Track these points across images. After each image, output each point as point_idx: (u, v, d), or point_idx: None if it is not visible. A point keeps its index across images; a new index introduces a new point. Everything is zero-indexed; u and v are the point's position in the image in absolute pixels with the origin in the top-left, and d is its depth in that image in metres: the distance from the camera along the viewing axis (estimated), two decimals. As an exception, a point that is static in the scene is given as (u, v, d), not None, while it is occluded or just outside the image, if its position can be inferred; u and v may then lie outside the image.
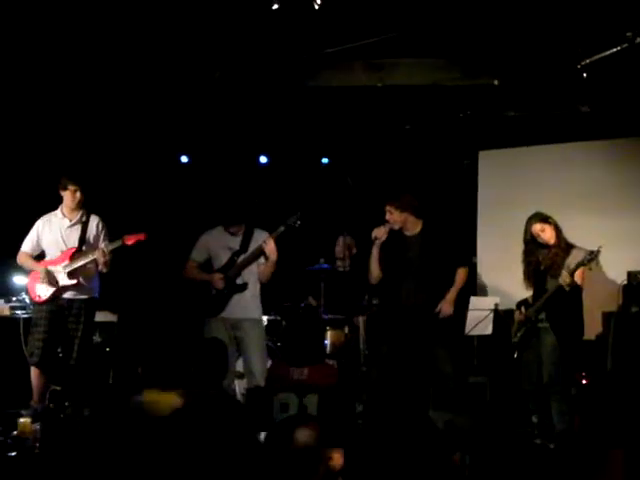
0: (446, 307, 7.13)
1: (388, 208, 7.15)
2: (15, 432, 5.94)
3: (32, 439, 5.68)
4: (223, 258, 7.18)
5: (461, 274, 7.24)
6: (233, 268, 7.11)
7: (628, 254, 7.90)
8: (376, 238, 7.13)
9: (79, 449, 4.20)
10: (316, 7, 5.67)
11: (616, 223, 8.34)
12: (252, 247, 7.14)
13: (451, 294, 7.16)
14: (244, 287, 7.09)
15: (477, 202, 9.44)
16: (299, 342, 5.14)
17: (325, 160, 10.21)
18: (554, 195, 8.49)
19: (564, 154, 8.89)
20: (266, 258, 7.07)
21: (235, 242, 7.20)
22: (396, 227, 7.13)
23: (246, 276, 7.13)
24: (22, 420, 5.90)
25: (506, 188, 9.24)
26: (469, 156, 9.47)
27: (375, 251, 7.21)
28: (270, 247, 6.98)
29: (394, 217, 7.13)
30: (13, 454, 5.41)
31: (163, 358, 7.21)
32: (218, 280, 7.09)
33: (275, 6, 5.84)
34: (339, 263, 8.78)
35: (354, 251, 8.88)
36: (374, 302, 8.36)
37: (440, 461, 4.61)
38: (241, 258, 7.13)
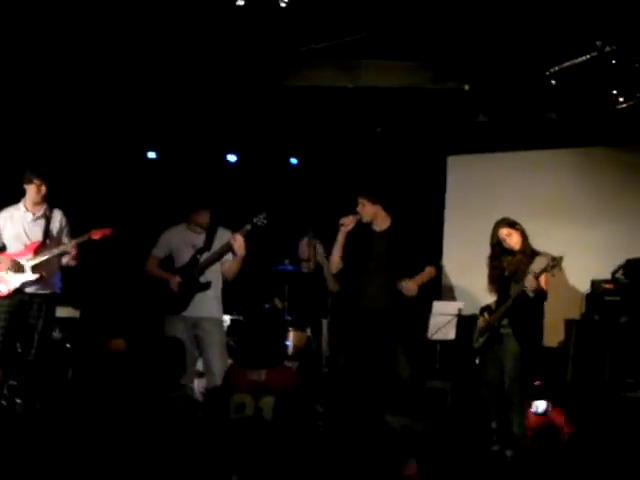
0: (410, 285, 6.93)
1: (361, 200, 7.07)
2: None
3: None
4: (185, 256, 7.11)
5: (431, 270, 7.14)
6: (197, 266, 7.05)
7: (592, 263, 7.94)
8: (343, 225, 7.07)
9: (31, 445, 4.15)
10: (282, 5, 5.62)
11: (581, 231, 8.39)
12: (215, 246, 7.08)
13: (418, 277, 6.99)
14: (207, 286, 7.03)
15: (444, 207, 9.45)
16: (257, 344, 5.09)
17: (294, 160, 10.17)
18: (520, 202, 8.52)
19: (532, 161, 8.95)
20: (234, 254, 7.01)
21: (199, 240, 7.13)
22: (365, 219, 7.07)
23: (209, 275, 7.06)
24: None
25: (473, 194, 9.28)
26: (438, 161, 9.47)
27: (340, 238, 7.12)
28: (239, 243, 6.93)
29: (365, 209, 7.06)
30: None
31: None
32: (175, 283, 7.03)
33: (240, 2, 5.77)
34: (304, 264, 8.73)
35: (320, 252, 8.83)
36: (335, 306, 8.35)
37: (394, 466, 4.60)
38: (204, 256, 7.06)
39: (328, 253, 7.66)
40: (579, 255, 7.49)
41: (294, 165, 10.21)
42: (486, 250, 7.51)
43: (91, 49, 7.63)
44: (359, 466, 4.42)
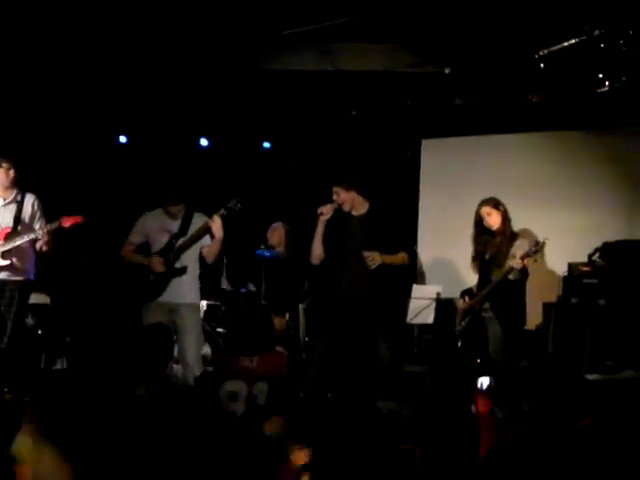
0: (375, 255, 6.86)
1: (335, 189, 7.04)
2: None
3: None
4: (162, 241, 7.02)
5: (403, 256, 7.10)
6: (173, 251, 6.96)
7: (569, 246, 7.95)
8: (322, 214, 7.01)
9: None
10: None
11: (558, 215, 8.40)
12: (191, 230, 7.01)
13: (387, 256, 6.93)
14: (183, 271, 6.95)
15: (419, 191, 9.42)
16: (248, 330, 5.02)
17: (267, 144, 10.09)
18: (496, 185, 8.48)
19: (507, 144, 8.96)
20: (212, 237, 6.93)
21: (174, 225, 7.05)
22: (346, 208, 7.02)
23: (185, 260, 6.99)
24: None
25: (448, 178, 9.25)
26: (412, 144, 9.44)
27: (320, 229, 7.08)
28: (217, 225, 6.86)
29: (341, 197, 7.02)
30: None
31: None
32: (157, 263, 6.93)
33: None
34: (278, 250, 8.68)
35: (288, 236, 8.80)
36: (312, 292, 8.31)
37: (389, 452, 4.55)
38: (180, 241, 6.98)
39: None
40: (556, 238, 7.47)
41: (267, 149, 10.11)
42: (461, 233, 7.53)
43: (61, 32, 7.50)
44: (354, 454, 4.37)
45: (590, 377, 6.37)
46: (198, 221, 7.05)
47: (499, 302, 6.93)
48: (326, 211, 6.98)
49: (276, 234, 8.80)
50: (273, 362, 4.92)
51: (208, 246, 7.03)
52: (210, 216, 6.96)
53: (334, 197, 7.03)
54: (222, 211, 6.92)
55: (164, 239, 7.03)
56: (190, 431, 3.59)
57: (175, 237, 7.01)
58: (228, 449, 3.60)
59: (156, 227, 7.09)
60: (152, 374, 5.13)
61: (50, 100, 8.82)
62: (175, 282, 6.95)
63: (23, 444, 3.73)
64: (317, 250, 7.11)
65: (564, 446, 4.10)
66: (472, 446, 5.10)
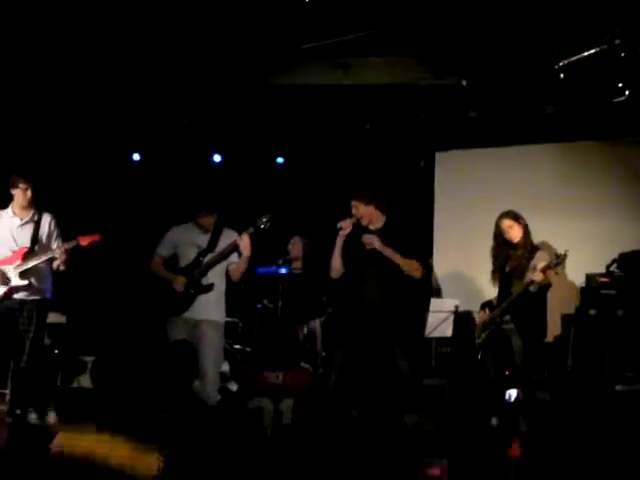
0: (374, 239, 6.83)
1: (353, 203, 6.99)
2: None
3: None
4: (190, 255, 7.04)
5: (414, 262, 6.93)
6: (200, 268, 6.96)
7: (587, 256, 7.92)
8: (341, 228, 6.98)
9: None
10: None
11: (575, 225, 8.39)
12: (220, 246, 7.01)
13: (392, 250, 6.83)
14: (210, 288, 6.95)
15: (434, 203, 9.41)
16: (274, 346, 4.99)
17: (280, 160, 10.09)
18: (511, 197, 8.48)
19: (522, 156, 8.94)
20: (239, 255, 6.92)
21: (203, 240, 7.06)
22: (364, 222, 7.00)
23: (211, 277, 6.99)
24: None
25: (463, 190, 9.25)
26: (426, 157, 9.44)
27: (339, 243, 7.03)
28: (245, 243, 6.86)
29: (360, 211, 6.99)
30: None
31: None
32: (179, 284, 6.94)
33: None
34: (294, 265, 8.67)
35: (306, 250, 8.79)
36: (329, 306, 8.28)
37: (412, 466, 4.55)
38: (208, 257, 6.98)
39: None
40: (573, 249, 7.42)
41: (280, 164, 10.11)
42: (477, 245, 7.51)
43: (74, 52, 7.54)
44: (380, 465, 4.36)
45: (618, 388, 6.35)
46: (227, 236, 7.07)
47: (520, 314, 6.90)
48: (345, 226, 6.96)
49: (295, 247, 8.79)
50: (299, 377, 4.89)
51: (235, 263, 7.03)
52: (239, 233, 6.96)
53: (353, 211, 7.00)
54: (251, 229, 6.92)
55: (192, 254, 7.04)
56: (222, 449, 3.59)
57: (203, 253, 7.02)
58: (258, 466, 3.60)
59: (185, 240, 7.11)
60: (177, 392, 5.11)
61: (65, 120, 8.84)
62: (201, 299, 6.96)
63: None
64: (337, 264, 7.08)
65: (598, 457, 4.09)
66: (500, 460, 5.09)
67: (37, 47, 7.42)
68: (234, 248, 6.94)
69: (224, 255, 6.97)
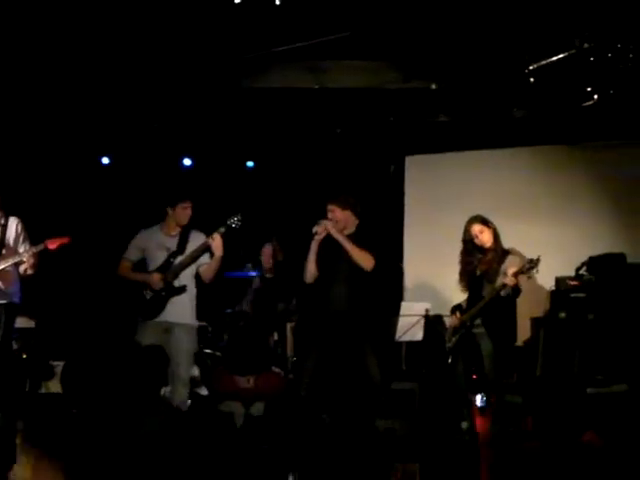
0: (329, 225, 6.85)
1: (330, 207, 6.97)
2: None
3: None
4: (159, 258, 6.96)
5: (366, 254, 6.84)
6: (171, 270, 6.89)
7: (556, 260, 7.93)
8: (317, 233, 6.95)
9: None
10: (277, 2, 5.54)
11: (544, 229, 8.45)
12: (189, 248, 6.95)
13: (343, 237, 6.84)
14: (182, 290, 6.88)
15: (404, 207, 9.43)
16: (244, 350, 4.96)
17: (250, 163, 10.07)
18: (481, 200, 8.51)
19: (492, 160, 9.00)
20: (211, 255, 6.88)
21: (172, 243, 6.99)
22: (339, 227, 6.97)
23: (183, 279, 6.92)
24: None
25: (433, 194, 9.29)
26: (396, 161, 9.46)
27: (314, 247, 7.02)
28: (217, 243, 6.80)
29: (336, 215, 6.98)
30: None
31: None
32: (157, 280, 6.86)
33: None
34: (267, 271, 8.65)
35: (279, 257, 8.76)
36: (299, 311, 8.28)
37: (384, 470, 4.54)
38: (178, 259, 6.92)
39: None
40: (542, 252, 7.45)
41: (250, 168, 10.09)
42: (448, 249, 7.52)
43: (43, 54, 7.46)
44: (353, 469, 4.35)
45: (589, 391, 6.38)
46: (196, 238, 7.00)
47: (490, 318, 6.91)
48: (321, 230, 6.93)
49: (267, 256, 8.78)
50: (270, 382, 4.87)
51: (207, 264, 6.98)
52: (208, 234, 6.92)
53: (329, 215, 6.97)
54: (222, 229, 6.86)
55: (161, 256, 6.96)
56: (189, 452, 3.56)
57: (173, 255, 6.95)
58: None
59: (153, 244, 7.03)
60: (147, 397, 5.06)
61: (33, 123, 8.75)
62: (173, 301, 6.88)
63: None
64: (311, 269, 7.05)
65: (570, 458, 4.11)
66: (472, 463, 5.09)
67: (8, 48, 7.33)
68: (205, 249, 6.89)
69: (195, 256, 6.91)
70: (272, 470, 3.71)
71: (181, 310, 6.89)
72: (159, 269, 6.93)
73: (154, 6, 6.76)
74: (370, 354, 6.92)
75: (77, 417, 3.95)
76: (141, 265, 7.05)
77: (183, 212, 7.02)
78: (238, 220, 6.85)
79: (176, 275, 6.89)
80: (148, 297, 6.86)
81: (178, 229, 7.03)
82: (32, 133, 8.92)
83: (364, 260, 6.83)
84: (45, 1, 6.63)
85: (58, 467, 3.20)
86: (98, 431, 3.70)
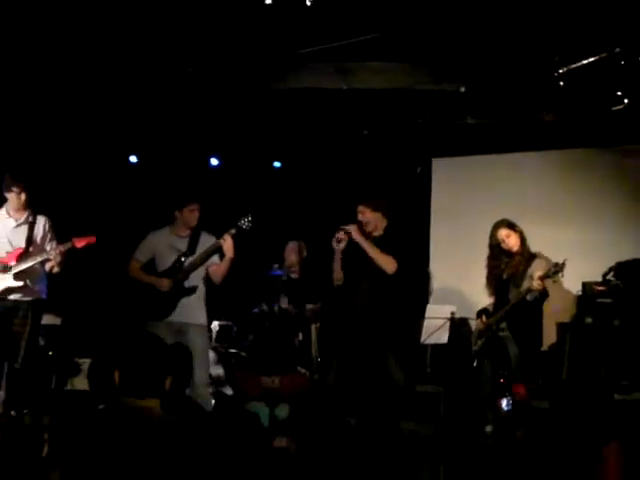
0: (353, 229, 6.83)
1: (361, 208, 6.95)
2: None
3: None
4: (169, 259, 7.01)
5: (389, 258, 6.86)
6: (181, 271, 6.92)
7: (583, 265, 7.89)
8: (339, 241, 6.92)
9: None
10: (308, 3, 5.54)
11: (572, 233, 8.39)
12: (199, 249, 6.98)
13: (368, 242, 6.84)
14: (192, 290, 6.93)
15: (430, 210, 9.40)
16: (270, 350, 4.97)
17: (277, 164, 10.08)
18: (508, 204, 8.51)
19: (520, 163, 8.94)
20: (221, 256, 6.89)
21: (182, 244, 7.04)
22: (368, 228, 6.95)
23: (193, 280, 6.96)
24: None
25: (459, 197, 9.24)
26: (422, 163, 9.43)
27: (337, 256, 7.00)
28: (228, 244, 6.83)
29: (366, 217, 6.95)
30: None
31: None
32: (165, 285, 6.91)
33: (268, 1, 5.67)
34: (291, 269, 8.64)
35: (304, 255, 8.74)
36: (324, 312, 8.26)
37: (409, 472, 4.53)
38: (188, 261, 6.95)
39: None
40: (570, 257, 7.42)
41: (277, 168, 10.10)
42: (474, 252, 7.49)
43: (72, 54, 7.50)
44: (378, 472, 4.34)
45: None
46: (206, 241, 7.03)
47: (516, 322, 6.89)
48: (341, 237, 6.89)
49: (291, 253, 8.76)
50: (296, 382, 4.88)
51: (216, 265, 7.00)
52: (220, 235, 6.93)
53: (359, 216, 6.94)
54: (233, 230, 6.89)
55: (171, 258, 7.01)
56: (215, 453, 3.56)
57: (183, 255, 6.99)
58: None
59: (164, 245, 7.08)
60: (172, 396, 5.06)
61: (62, 122, 8.81)
62: (184, 302, 6.93)
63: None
64: (337, 275, 7.07)
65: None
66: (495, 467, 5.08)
67: (34, 49, 7.38)
68: (216, 249, 6.93)
69: (206, 257, 6.96)
70: (301, 470, 3.71)
71: (192, 311, 6.94)
72: (168, 271, 6.99)
73: (185, 6, 6.77)
74: (392, 356, 6.91)
75: (103, 414, 3.95)
76: (151, 265, 7.10)
77: (190, 214, 7.06)
78: (249, 221, 6.87)
79: (186, 276, 6.93)
80: (158, 297, 6.90)
81: (188, 231, 7.07)
82: (60, 133, 8.96)
83: (386, 264, 6.82)
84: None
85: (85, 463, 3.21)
86: (123, 429, 3.71)
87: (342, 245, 6.92)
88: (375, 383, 6.86)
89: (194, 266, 6.96)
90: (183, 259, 6.97)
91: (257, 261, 8.98)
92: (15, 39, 7.18)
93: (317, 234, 8.24)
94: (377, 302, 6.88)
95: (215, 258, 7.01)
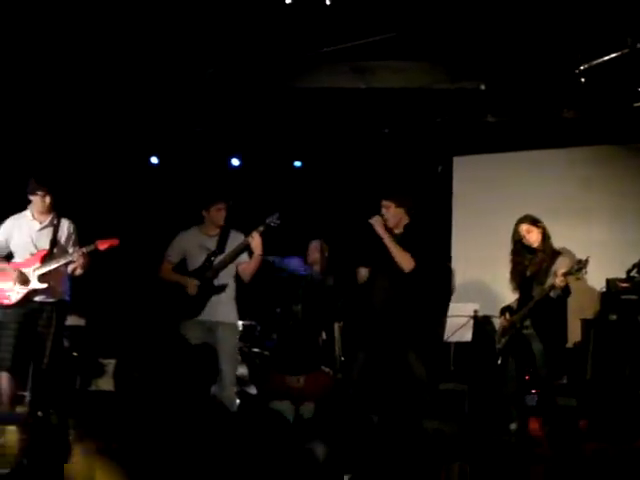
0: (378, 223, 6.83)
1: (385, 203, 6.92)
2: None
3: (19, 451, 5.37)
4: (199, 259, 7.04)
5: (407, 256, 6.82)
6: (211, 269, 6.96)
7: (607, 261, 7.88)
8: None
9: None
10: (328, 2, 5.54)
11: (595, 230, 8.37)
12: (228, 248, 7.02)
13: (391, 238, 6.82)
14: (222, 289, 6.95)
15: (451, 208, 9.38)
16: (295, 349, 4.98)
17: (298, 163, 10.09)
18: (530, 201, 8.44)
19: (541, 160, 8.90)
20: (250, 254, 6.92)
21: (211, 243, 7.07)
22: (390, 224, 6.93)
23: (223, 278, 6.99)
24: (9, 429, 5.58)
25: (481, 195, 9.22)
26: (443, 162, 9.41)
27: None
28: (256, 242, 6.86)
29: (390, 212, 6.93)
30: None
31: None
32: (193, 286, 6.95)
33: (288, 0, 5.68)
34: (315, 269, 8.63)
35: (326, 254, 8.73)
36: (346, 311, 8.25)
37: (433, 471, 4.52)
38: (218, 259, 6.98)
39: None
40: (593, 254, 7.39)
41: (298, 168, 10.11)
42: (496, 250, 7.47)
43: (93, 57, 7.54)
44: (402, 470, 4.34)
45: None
46: (235, 239, 7.07)
47: (540, 319, 6.86)
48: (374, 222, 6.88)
49: (314, 252, 8.75)
50: (320, 381, 4.89)
51: (245, 263, 7.03)
52: (247, 234, 6.96)
53: (382, 211, 6.92)
54: (261, 227, 6.92)
55: (201, 257, 7.05)
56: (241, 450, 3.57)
57: (213, 254, 7.02)
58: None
59: (193, 245, 7.11)
60: (197, 395, 5.10)
61: (82, 124, 8.86)
62: (214, 300, 6.95)
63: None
64: (362, 271, 7.06)
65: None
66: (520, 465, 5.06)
67: (56, 52, 7.43)
68: (245, 247, 6.96)
69: (235, 255, 6.98)
70: (326, 470, 3.72)
71: (222, 309, 6.96)
72: (198, 270, 7.02)
73: (206, 7, 6.79)
74: (413, 352, 6.88)
75: (129, 414, 3.99)
76: (182, 265, 7.14)
77: (217, 214, 7.10)
78: (277, 219, 6.88)
79: (216, 274, 6.96)
80: (189, 296, 6.92)
81: (217, 229, 7.11)
82: (82, 135, 9.01)
83: (403, 261, 6.79)
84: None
85: (113, 463, 3.24)
86: (149, 428, 3.73)
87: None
88: (397, 380, 6.86)
89: (224, 264, 7.00)
90: (213, 258, 7.01)
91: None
92: (37, 43, 7.23)
93: (338, 233, 8.25)
94: (396, 300, 6.86)
95: (244, 256, 7.05)
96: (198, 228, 7.17)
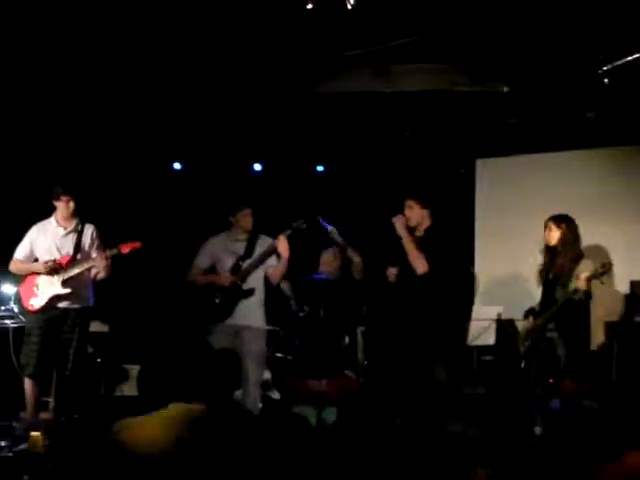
0: (399, 223, 6.75)
1: (410, 203, 6.82)
2: (23, 447, 5.70)
3: (44, 455, 5.41)
4: (228, 263, 7.07)
5: (422, 260, 6.69)
6: (239, 273, 6.98)
7: (631, 263, 7.84)
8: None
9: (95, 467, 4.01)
10: (349, 6, 5.54)
11: (618, 232, 8.28)
12: (257, 252, 7.05)
13: (410, 239, 6.74)
14: (250, 293, 6.98)
15: (474, 211, 9.35)
16: (318, 353, 4.98)
17: (320, 168, 10.09)
18: (553, 203, 8.32)
19: (564, 162, 8.83)
20: (278, 257, 6.94)
21: (239, 247, 7.11)
22: (412, 224, 6.86)
23: (251, 282, 7.01)
24: (33, 434, 5.61)
25: (504, 197, 9.17)
26: (466, 164, 9.38)
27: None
28: (283, 245, 6.89)
29: (413, 212, 6.87)
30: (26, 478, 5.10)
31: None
32: (226, 278, 6.97)
33: (310, 5, 5.69)
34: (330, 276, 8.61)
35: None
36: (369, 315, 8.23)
37: (458, 475, 4.51)
38: (246, 263, 7.00)
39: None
40: (617, 256, 7.40)
41: (321, 172, 10.12)
42: (519, 253, 7.45)
43: (116, 62, 7.57)
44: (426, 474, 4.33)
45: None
46: (263, 242, 7.10)
47: (564, 323, 6.82)
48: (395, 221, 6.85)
49: (331, 259, 8.70)
50: (343, 385, 4.88)
51: (273, 267, 7.04)
52: (275, 237, 6.98)
53: (406, 210, 6.84)
54: (288, 231, 6.94)
55: (230, 261, 7.08)
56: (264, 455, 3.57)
57: (241, 259, 7.05)
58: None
59: (222, 250, 7.15)
60: (220, 400, 5.09)
61: (106, 130, 8.90)
62: (242, 305, 6.99)
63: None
64: (392, 270, 7.03)
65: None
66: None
67: (77, 58, 7.46)
68: (272, 251, 6.98)
69: (262, 259, 7.01)
70: (351, 472, 3.72)
71: (250, 313, 6.98)
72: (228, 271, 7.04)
73: (227, 11, 6.81)
74: (436, 359, 6.81)
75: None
76: (210, 271, 7.18)
77: (244, 218, 7.13)
78: (303, 222, 6.90)
79: (244, 278, 6.98)
80: (217, 301, 6.93)
81: (245, 234, 7.13)
82: (106, 141, 9.06)
83: (417, 264, 6.70)
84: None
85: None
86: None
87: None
88: (419, 384, 6.82)
89: (252, 268, 7.03)
90: (241, 262, 7.03)
91: (301, 265, 8.97)
92: (60, 49, 7.26)
93: (360, 237, 8.24)
94: (416, 304, 6.79)
95: (272, 260, 7.07)
96: (226, 233, 7.21)
